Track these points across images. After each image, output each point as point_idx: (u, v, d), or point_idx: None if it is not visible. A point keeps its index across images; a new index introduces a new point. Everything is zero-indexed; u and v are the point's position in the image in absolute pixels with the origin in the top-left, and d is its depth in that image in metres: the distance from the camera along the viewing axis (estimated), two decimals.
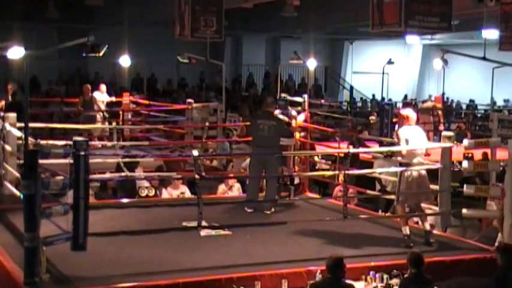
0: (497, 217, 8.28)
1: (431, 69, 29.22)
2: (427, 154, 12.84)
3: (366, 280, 7.01)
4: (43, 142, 9.64)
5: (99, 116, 15.67)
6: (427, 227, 8.33)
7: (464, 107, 28.23)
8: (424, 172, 8.34)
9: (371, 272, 7.05)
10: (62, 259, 6.87)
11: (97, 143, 14.00)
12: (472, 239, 8.73)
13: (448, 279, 7.14)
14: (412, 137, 8.30)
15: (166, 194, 10.99)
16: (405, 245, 7.98)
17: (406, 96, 30.90)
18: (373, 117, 17.88)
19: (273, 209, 9.68)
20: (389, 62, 20.85)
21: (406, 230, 8.17)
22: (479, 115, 23.29)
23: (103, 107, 15.86)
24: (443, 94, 28.74)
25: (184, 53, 18.04)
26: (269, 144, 9.84)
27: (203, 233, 8.12)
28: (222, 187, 11.36)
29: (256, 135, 10.01)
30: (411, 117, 8.46)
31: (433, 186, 9.06)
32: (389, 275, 7.03)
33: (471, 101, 28.76)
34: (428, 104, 19.76)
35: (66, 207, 6.57)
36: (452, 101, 28.50)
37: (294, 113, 11.12)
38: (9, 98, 15.21)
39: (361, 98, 29.17)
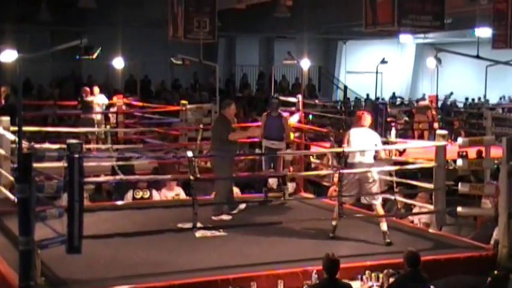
0: (492, 215, 8.30)
1: (424, 68, 29.27)
2: (401, 153, 12.86)
3: (361, 279, 7.01)
4: (37, 145, 9.67)
5: (99, 118, 15.69)
6: (384, 227, 8.23)
7: (461, 105, 28.33)
8: (368, 177, 8.29)
9: (367, 271, 7.05)
10: (57, 262, 6.86)
11: (92, 146, 13.97)
12: (467, 237, 8.75)
13: (444, 278, 7.16)
14: (355, 138, 8.36)
15: (157, 195, 10.96)
16: (330, 235, 8.28)
17: (394, 94, 30.96)
18: None
19: (223, 216, 9.23)
20: (383, 62, 20.81)
21: (334, 222, 8.37)
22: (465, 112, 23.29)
23: (98, 109, 15.86)
24: (451, 94, 29.01)
25: (177, 55, 18.01)
26: (212, 146, 9.72)
27: (198, 234, 8.11)
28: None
29: None
30: (363, 118, 8.50)
31: (427, 185, 9.10)
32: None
33: (466, 99, 28.88)
34: (424, 103, 19.84)
35: (60, 210, 6.56)
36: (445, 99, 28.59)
37: (285, 114, 11.00)
38: (2, 101, 15.19)
39: (355, 97, 29.19)
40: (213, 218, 9.16)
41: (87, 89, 16.00)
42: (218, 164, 9.51)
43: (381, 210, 8.53)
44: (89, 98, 15.83)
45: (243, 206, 9.63)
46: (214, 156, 9.56)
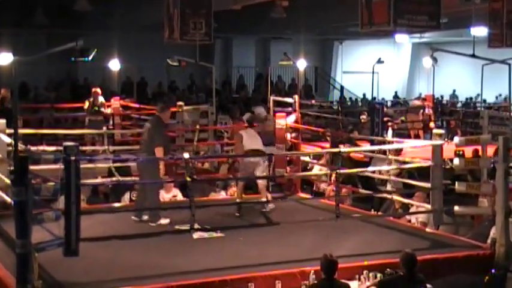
0: (489, 214, 8.30)
1: (421, 67, 29.31)
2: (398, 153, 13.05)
3: (359, 279, 7.01)
4: (33, 148, 9.65)
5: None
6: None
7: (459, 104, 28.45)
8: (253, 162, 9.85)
9: (364, 271, 7.05)
10: (55, 265, 6.85)
11: (88, 147, 13.94)
12: (464, 236, 8.75)
13: (442, 277, 7.16)
14: (248, 133, 10.22)
15: None
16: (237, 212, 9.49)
17: (396, 94, 31.02)
18: (364, 117, 17.91)
19: (161, 221, 9.02)
20: (379, 61, 20.82)
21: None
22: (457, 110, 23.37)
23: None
24: (454, 92, 29.15)
25: (174, 56, 18.00)
26: (144, 149, 9.40)
27: (196, 235, 8.11)
28: (222, 194, 11.34)
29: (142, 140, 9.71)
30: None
31: (424, 184, 9.12)
32: (383, 274, 7.03)
33: (463, 98, 28.98)
34: (417, 102, 19.83)
35: (57, 212, 6.56)
36: (441, 97, 28.69)
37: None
38: None
39: (350, 98, 29.21)
40: (151, 224, 8.97)
41: (98, 90, 15.91)
42: (147, 169, 9.23)
43: (264, 191, 9.98)
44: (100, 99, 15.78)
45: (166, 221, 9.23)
46: (143, 160, 9.19)
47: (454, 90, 30.27)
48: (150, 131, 9.36)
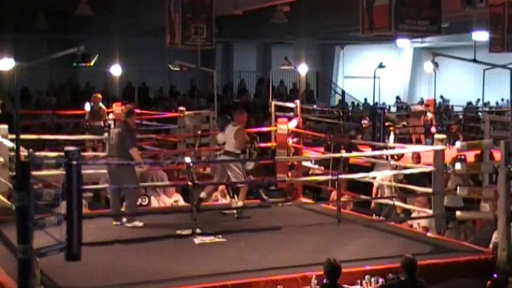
0: (491, 218, 8.30)
1: (422, 72, 29.33)
2: (399, 158, 13.03)
3: (361, 284, 7.00)
4: (35, 153, 9.64)
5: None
6: (239, 204, 9.75)
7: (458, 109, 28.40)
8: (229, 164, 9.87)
9: (366, 276, 7.04)
10: (56, 270, 6.84)
11: (90, 153, 13.93)
12: (466, 241, 8.74)
13: (444, 282, 7.15)
14: (226, 131, 10.25)
15: (155, 202, 10.94)
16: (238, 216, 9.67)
17: (398, 98, 31.00)
18: (365, 122, 17.91)
19: (136, 222, 9.09)
20: (381, 66, 20.84)
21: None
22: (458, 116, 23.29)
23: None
24: (441, 97, 28.93)
25: (175, 61, 18.02)
26: (115, 152, 9.35)
27: (197, 240, 8.10)
28: (215, 194, 11.35)
29: (108, 144, 9.69)
30: (236, 118, 10.35)
31: (426, 189, 9.11)
32: (385, 279, 7.02)
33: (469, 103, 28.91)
34: (418, 107, 19.85)
35: (59, 217, 6.55)
36: (440, 103, 28.66)
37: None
38: None
39: (352, 103, 29.21)
40: (127, 225, 9.07)
41: (99, 96, 15.93)
42: (126, 172, 9.24)
43: (243, 193, 9.93)
44: (86, 106, 15.79)
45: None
46: (123, 164, 9.17)
47: (441, 96, 30.15)
48: (121, 135, 9.37)
